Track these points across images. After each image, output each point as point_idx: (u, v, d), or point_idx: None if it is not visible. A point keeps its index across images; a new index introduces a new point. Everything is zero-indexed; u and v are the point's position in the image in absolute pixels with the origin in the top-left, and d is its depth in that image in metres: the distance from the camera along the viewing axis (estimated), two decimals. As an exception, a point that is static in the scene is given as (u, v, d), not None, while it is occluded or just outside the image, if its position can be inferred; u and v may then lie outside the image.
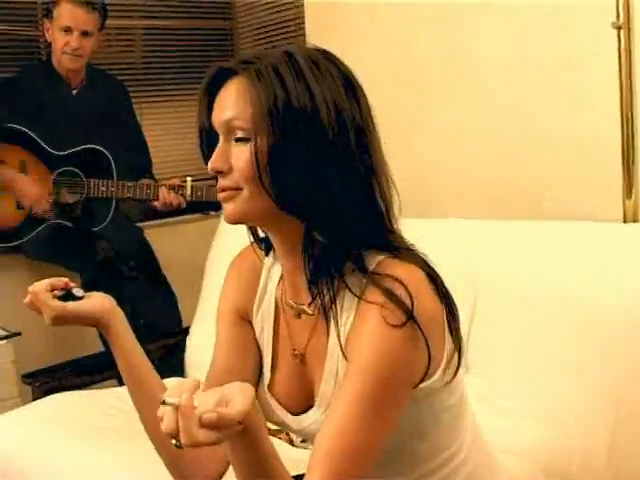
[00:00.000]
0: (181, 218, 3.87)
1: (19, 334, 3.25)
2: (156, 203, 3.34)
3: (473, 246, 2.39)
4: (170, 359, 3.00)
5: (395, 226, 1.29)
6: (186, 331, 3.04)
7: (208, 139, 1.30)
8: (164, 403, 1.02)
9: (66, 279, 1.43)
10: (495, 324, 2.18)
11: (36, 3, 3.75)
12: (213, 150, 1.27)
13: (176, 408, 1.01)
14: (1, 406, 3.03)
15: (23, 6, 3.74)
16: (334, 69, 1.25)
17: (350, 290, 1.23)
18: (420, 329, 1.17)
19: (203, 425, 0.99)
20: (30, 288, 1.40)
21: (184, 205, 3.33)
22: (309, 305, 1.30)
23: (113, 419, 2.44)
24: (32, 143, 3.39)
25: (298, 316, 1.34)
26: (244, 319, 1.45)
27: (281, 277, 1.40)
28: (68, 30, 3.37)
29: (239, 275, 1.47)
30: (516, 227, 2.40)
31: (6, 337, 3.22)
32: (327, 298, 1.25)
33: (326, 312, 1.27)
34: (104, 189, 3.35)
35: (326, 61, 1.26)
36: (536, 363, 2.11)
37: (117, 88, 3.73)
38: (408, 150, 2.98)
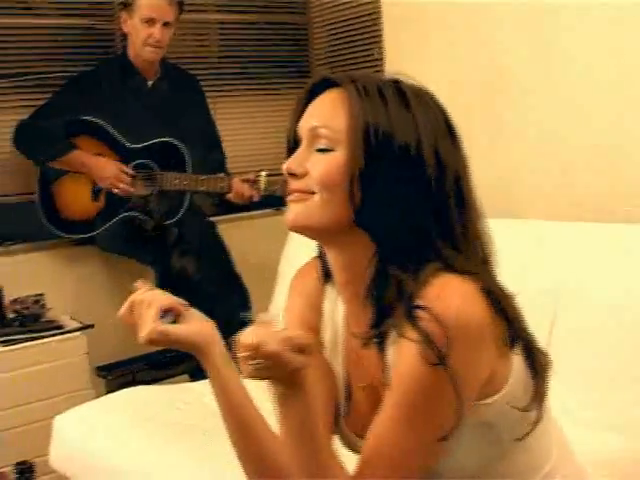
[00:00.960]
0: (253, 213, 3.86)
1: (92, 326, 3.28)
2: (229, 195, 3.31)
3: (555, 249, 2.33)
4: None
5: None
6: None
7: (292, 143, 1.29)
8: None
9: (175, 300, 1.30)
10: (576, 331, 2.12)
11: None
12: (292, 154, 1.27)
13: (260, 324, 1.10)
14: (74, 397, 3.07)
15: (99, 0, 3.75)
16: (437, 109, 1.25)
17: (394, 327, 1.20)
18: (450, 369, 1.14)
19: (281, 340, 1.09)
20: (132, 298, 1.28)
21: (257, 198, 3.30)
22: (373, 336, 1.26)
23: (186, 415, 2.45)
24: (107, 136, 3.41)
25: (363, 346, 1.29)
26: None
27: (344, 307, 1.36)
28: (150, 21, 3.37)
29: (300, 295, 1.43)
30: (600, 230, 2.34)
31: (79, 329, 3.25)
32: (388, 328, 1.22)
33: (384, 342, 1.24)
34: (177, 182, 3.34)
35: (431, 99, 1.25)
36: (618, 373, 2.05)
37: (191, 82, 3.73)
38: (491, 150, 2.92)
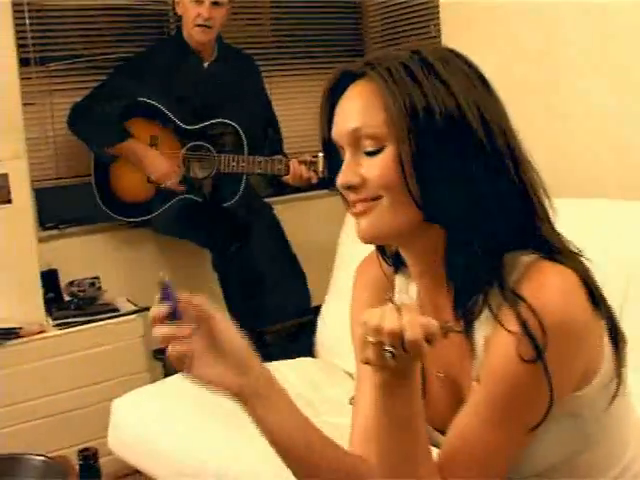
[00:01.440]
0: (309, 194, 3.80)
1: (148, 309, 3.24)
2: (286, 177, 3.27)
3: (625, 227, 2.26)
4: (299, 339, 2.95)
5: (549, 221, 1.19)
6: (315, 310, 2.98)
7: (330, 151, 1.22)
8: (388, 299, 1.05)
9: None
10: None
11: (165, -23, 3.73)
12: (336, 163, 1.19)
13: (398, 308, 1.02)
14: (130, 379, 3.08)
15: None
16: (466, 67, 1.17)
17: (490, 310, 1.14)
18: (547, 367, 1.08)
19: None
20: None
21: (315, 180, 3.25)
22: (456, 322, 1.20)
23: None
24: (163, 117, 3.39)
25: (444, 335, 1.22)
26: None
27: (417, 296, 1.30)
28: (199, 0, 3.33)
29: (365, 287, 1.37)
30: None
31: (135, 312, 3.23)
32: (474, 314, 1.16)
33: (471, 330, 1.18)
34: (234, 164, 3.31)
35: (457, 59, 1.18)
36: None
37: (248, 63, 3.69)
38: (555, 132, 2.84)
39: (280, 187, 3.56)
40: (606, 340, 1.17)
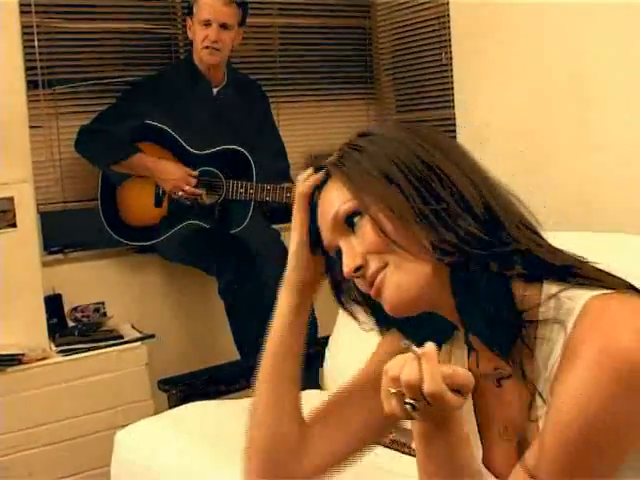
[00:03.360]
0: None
1: (153, 336, 3.23)
2: (296, 205, 3.24)
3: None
4: (306, 370, 2.90)
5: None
6: (323, 341, 2.94)
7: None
8: (406, 347, 1.00)
9: None
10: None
11: (173, 0, 3.75)
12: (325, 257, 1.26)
13: (418, 357, 0.99)
14: (134, 407, 3.06)
15: (160, 4, 3.74)
16: (402, 134, 1.21)
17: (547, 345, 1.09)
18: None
19: (444, 377, 0.98)
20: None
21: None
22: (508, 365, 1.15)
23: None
24: (172, 142, 3.37)
25: (498, 384, 1.18)
26: None
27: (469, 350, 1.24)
28: (208, 23, 3.34)
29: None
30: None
31: (140, 339, 3.20)
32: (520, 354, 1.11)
33: (524, 370, 1.12)
34: (242, 191, 3.30)
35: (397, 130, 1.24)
36: None
37: (257, 90, 3.69)
38: (573, 162, 2.81)
39: (288, 213, 3.53)
40: None
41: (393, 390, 1.00)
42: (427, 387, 0.96)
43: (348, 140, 1.23)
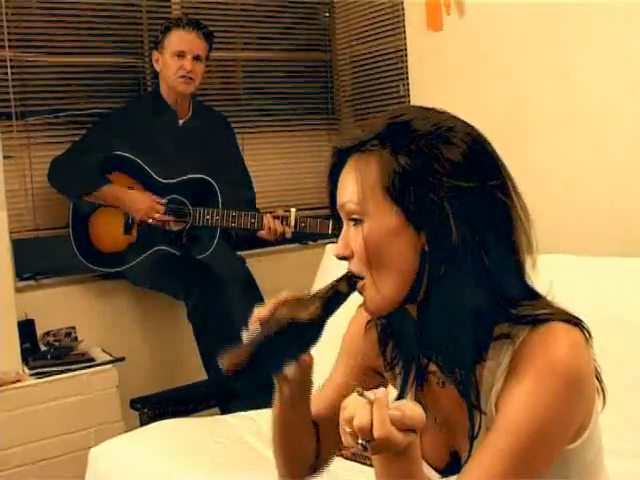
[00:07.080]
0: (280, 248, 3.88)
1: (123, 359, 3.30)
2: (261, 232, 3.36)
3: (598, 284, 2.36)
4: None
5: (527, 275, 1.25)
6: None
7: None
8: (359, 394, 1.05)
9: None
10: (618, 364, 2.13)
11: (141, 36, 3.84)
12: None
13: (370, 402, 1.03)
14: (106, 428, 3.11)
15: (128, 39, 3.83)
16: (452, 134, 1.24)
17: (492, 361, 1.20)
18: (576, 389, 1.14)
19: (392, 421, 1.02)
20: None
21: (289, 235, 3.35)
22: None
23: (226, 448, 2.44)
24: (140, 172, 3.46)
25: (442, 385, 1.29)
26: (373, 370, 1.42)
27: None
28: (181, 55, 3.46)
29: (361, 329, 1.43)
30: (628, 264, 2.37)
31: (110, 362, 3.28)
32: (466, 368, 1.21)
33: (468, 384, 1.22)
34: (209, 217, 3.38)
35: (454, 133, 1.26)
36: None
37: (221, 122, 3.79)
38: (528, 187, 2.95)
39: (253, 241, 3.62)
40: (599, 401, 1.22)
41: (348, 429, 1.05)
42: (376, 432, 1.02)
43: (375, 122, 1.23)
